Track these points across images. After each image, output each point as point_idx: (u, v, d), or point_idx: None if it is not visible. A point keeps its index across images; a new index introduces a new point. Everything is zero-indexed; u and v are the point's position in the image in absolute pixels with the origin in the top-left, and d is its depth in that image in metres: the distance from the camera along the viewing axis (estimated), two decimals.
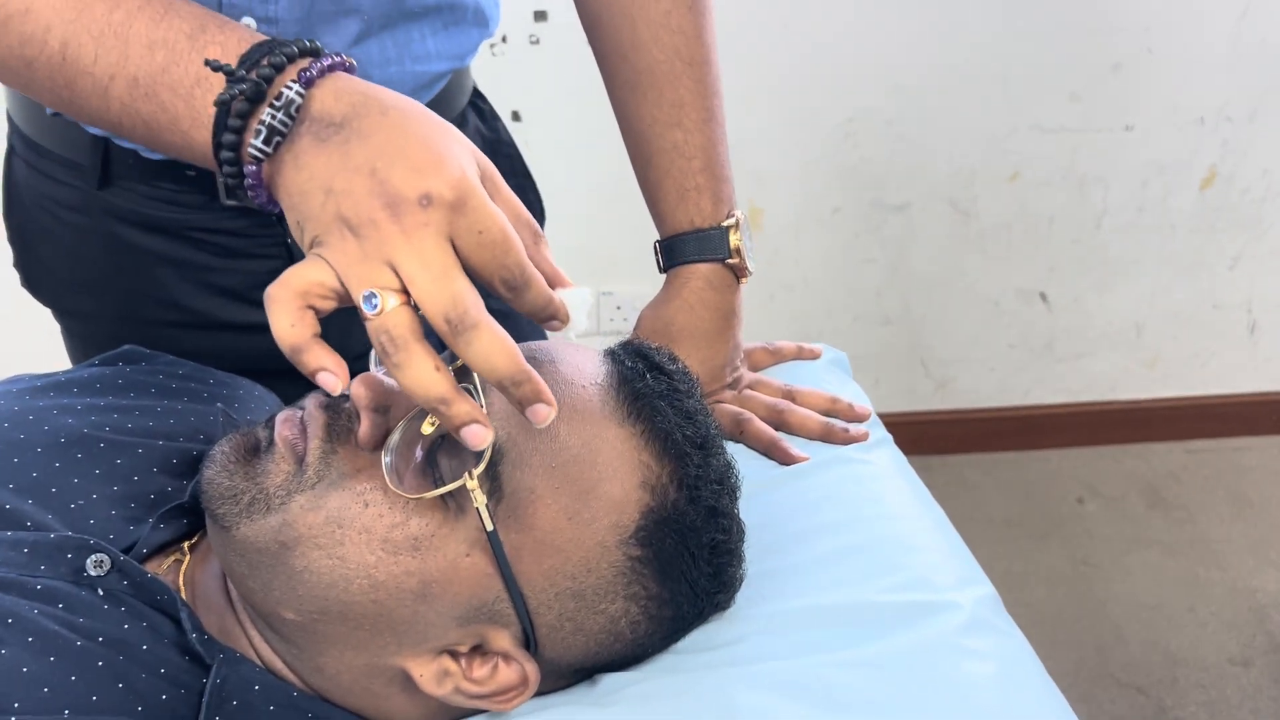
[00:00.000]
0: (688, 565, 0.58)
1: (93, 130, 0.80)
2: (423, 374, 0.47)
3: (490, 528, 0.53)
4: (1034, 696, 0.59)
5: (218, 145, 0.51)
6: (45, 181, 0.85)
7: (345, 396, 0.57)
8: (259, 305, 0.86)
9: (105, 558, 0.57)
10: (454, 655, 0.56)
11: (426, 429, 0.55)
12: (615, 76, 0.84)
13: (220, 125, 0.51)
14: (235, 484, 0.55)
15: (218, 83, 0.52)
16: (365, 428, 0.55)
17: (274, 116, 0.49)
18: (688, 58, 0.81)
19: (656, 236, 0.85)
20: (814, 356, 0.89)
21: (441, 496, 0.53)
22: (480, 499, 0.52)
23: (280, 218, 0.74)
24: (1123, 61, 1.85)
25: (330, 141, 0.49)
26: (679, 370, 0.61)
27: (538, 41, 1.70)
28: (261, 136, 0.49)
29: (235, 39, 0.53)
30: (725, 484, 0.60)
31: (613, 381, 0.58)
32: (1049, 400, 2.19)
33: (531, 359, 0.59)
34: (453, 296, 0.46)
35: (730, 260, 0.81)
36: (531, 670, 0.57)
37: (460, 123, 0.89)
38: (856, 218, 1.95)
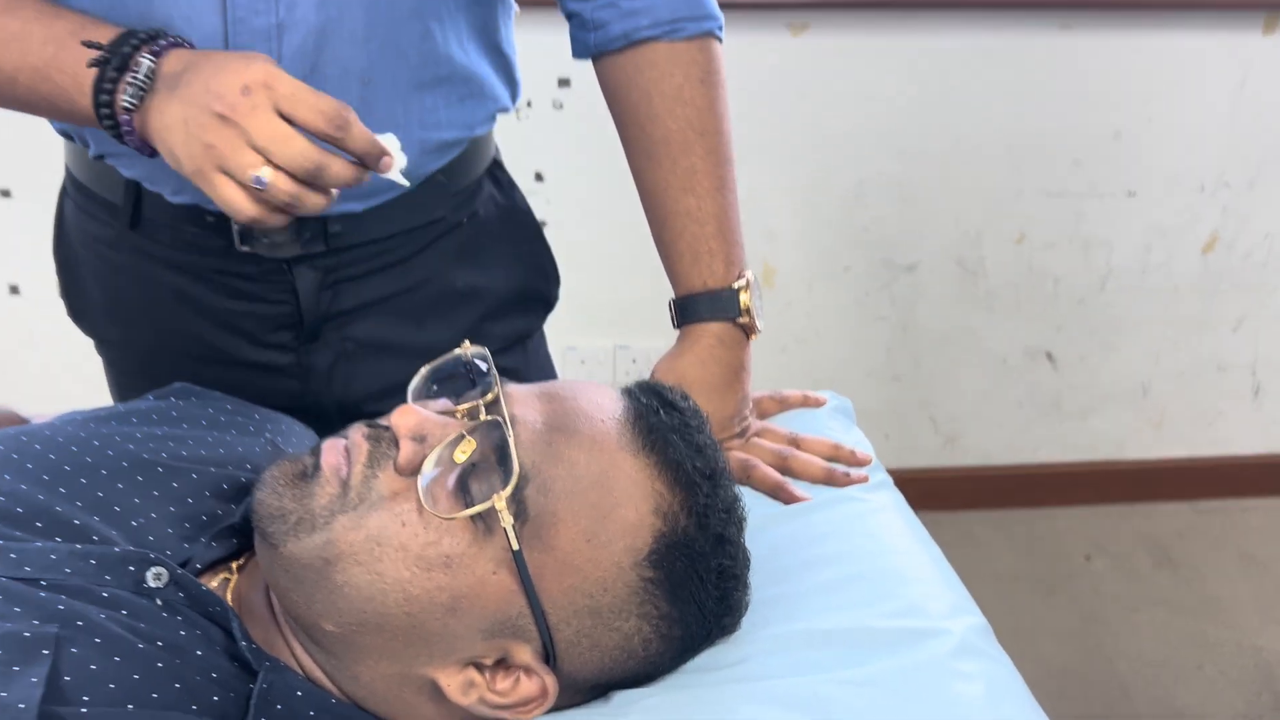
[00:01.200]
0: (696, 588, 0.63)
1: (126, 174, 0.87)
2: (340, 168, 0.66)
3: (516, 547, 0.58)
4: (1021, 716, 0.63)
5: (97, 105, 0.69)
6: (89, 220, 0.93)
7: (386, 427, 0.62)
8: (269, 346, 0.93)
9: (164, 571, 0.62)
10: (479, 667, 0.61)
11: (459, 457, 0.60)
12: (633, 145, 0.89)
13: (98, 90, 0.69)
14: (284, 505, 0.60)
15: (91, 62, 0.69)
16: (404, 454, 0.60)
17: (135, 79, 0.68)
18: (700, 128, 0.86)
19: (671, 293, 0.91)
20: (819, 404, 0.94)
21: (471, 518, 0.58)
22: (508, 519, 0.57)
23: (289, 263, 0.87)
24: (1124, 129, 1.92)
25: (176, 89, 0.67)
26: (690, 407, 0.66)
27: (561, 106, 1.78)
28: (128, 94, 0.68)
29: (108, 32, 0.71)
30: (732, 514, 0.65)
31: (629, 416, 0.64)
32: (1056, 458, 2.23)
33: (554, 394, 0.64)
34: (302, 153, 0.64)
35: (741, 319, 0.86)
36: (551, 683, 0.61)
37: (476, 189, 0.95)
38: (867, 276, 2.01)
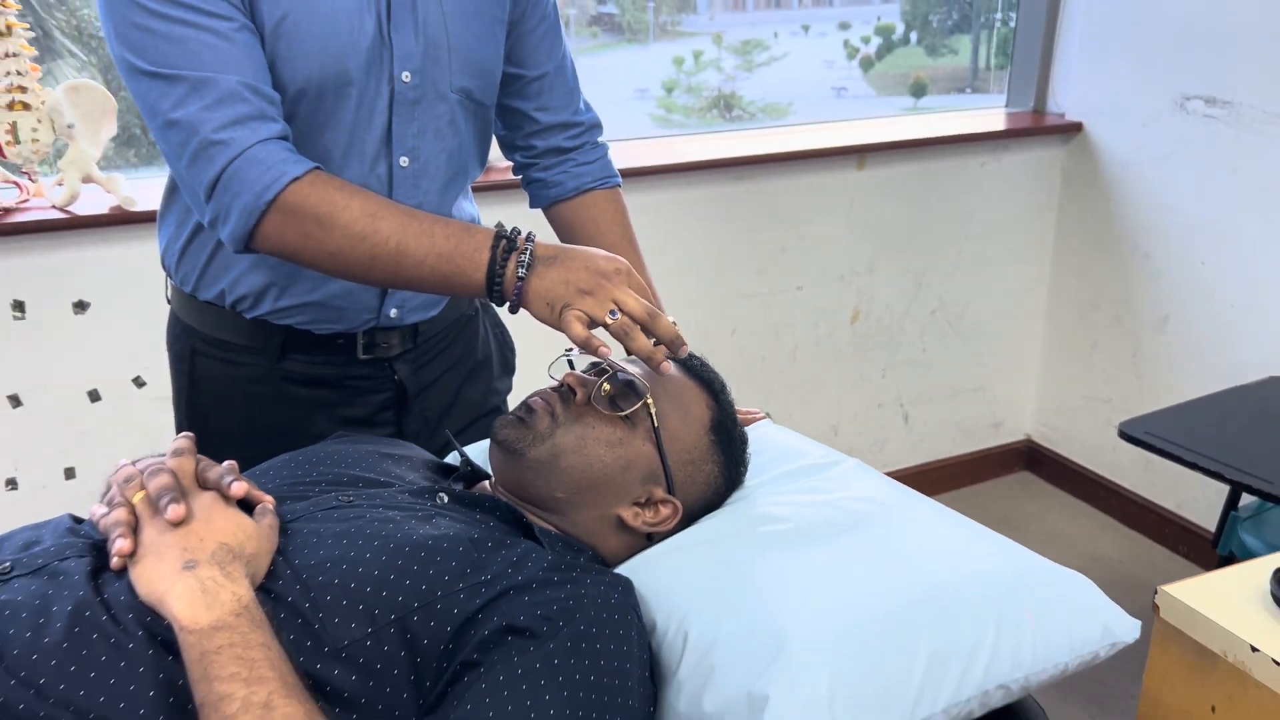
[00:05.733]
0: (733, 446, 1.16)
1: (278, 322, 1.28)
2: (643, 342, 1.04)
3: (657, 425, 1.08)
4: (902, 490, 1.21)
5: (491, 276, 1.05)
6: (232, 367, 1.32)
7: (560, 384, 1.11)
8: (377, 424, 1.38)
9: (444, 495, 1.06)
10: (638, 504, 1.09)
11: (603, 391, 1.09)
12: None
13: (493, 266, 1.05)
14: (520, 434, 1.07)
15: (486, 248, 1.06)
16: (580, 394, 1.09)
17: (524, 255, 1.05)
18: (628, 238, 1.42)
19: None
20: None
21: (623, 418, 1.08)
22: (653, 410, 1.08)
23: (390, 361, 1.32)
24: (787, 245, 2.70)
25: (553, 264, 1.04)
26: (703, 359, 1.20)
27: None
28: (521, 268, 1.04)
29: (483, 231, 1.07)
30: (734, 408, 1.19)
31: (679, 367, 1.17)
32: None
33: (637, 360, 1.16)
34: (645, 307, 1.04)
35: None
36: (679, 504, 1.10)
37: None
38: None
